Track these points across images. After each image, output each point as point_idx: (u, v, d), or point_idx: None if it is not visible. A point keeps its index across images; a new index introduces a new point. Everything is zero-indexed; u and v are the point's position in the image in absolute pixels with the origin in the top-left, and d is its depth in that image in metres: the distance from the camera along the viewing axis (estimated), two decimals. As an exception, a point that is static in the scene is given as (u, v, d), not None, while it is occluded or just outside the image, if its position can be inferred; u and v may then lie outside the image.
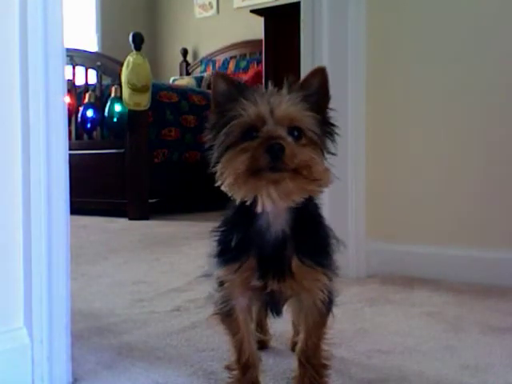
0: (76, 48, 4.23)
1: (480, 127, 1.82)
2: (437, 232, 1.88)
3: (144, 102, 3.68)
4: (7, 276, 0.96)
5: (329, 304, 0.90)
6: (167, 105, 3.99)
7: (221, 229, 0.90)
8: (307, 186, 0.81)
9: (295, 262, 0.85)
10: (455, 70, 1.86)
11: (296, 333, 1.09)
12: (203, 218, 3.78)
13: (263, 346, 1.15)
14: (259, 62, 5.01)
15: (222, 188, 0.81)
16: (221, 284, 0.89)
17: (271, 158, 0.76)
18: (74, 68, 4.13)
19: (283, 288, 0.86)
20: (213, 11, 6.07)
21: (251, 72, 5.30)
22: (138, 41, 3.69)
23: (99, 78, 4.00)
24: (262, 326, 1.15)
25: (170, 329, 1.33)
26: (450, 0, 1.88)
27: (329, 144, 0.86)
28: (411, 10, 1.93)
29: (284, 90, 0.84)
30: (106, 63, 3.99)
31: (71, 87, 3.98)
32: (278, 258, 0.85)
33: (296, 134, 0.81)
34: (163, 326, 1.35)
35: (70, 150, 1.03)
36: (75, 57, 4.07)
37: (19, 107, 0.96)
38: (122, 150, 3.81)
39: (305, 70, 1.97)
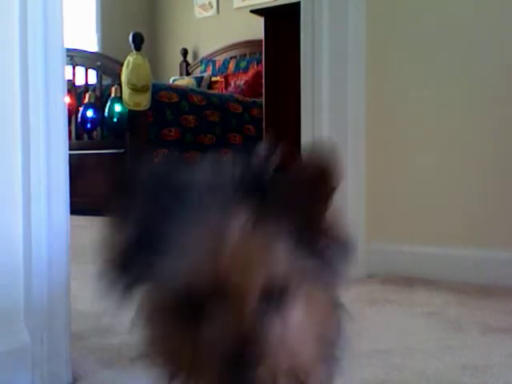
0: (76, 48, 4.23)
1: (481, 128, 1.82)
2: (437, 232, 1.88)
3: (144, 102, 3.68)
4: (7, 276, 0.96)
5: None
6: (167, 105, 3.99)
7: None
8: None
9: None
10: (456, 69, 1.86)
11: None
12: (203, 218, 3.78)
13: None
14: (259, 62, 5.01)
15: None
16: None
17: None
18: (74, 68, 4.13)
19: None
20: (213, 11, 6.07)
21: (251, 72, 5.30)
22: (138, 41, 3.69)
23: (99, 78, 4.00)
24: None
25: (170, 329, 1.33)
26: (449, 1, 1.88)
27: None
28: (411, 11, 1.93)
29: (247, 209, 0.44)
30: (106, 63, 3.99)
31: (71, 87, 3.98)
32: None
33: (276, 292, 0.46)
34: (163, 326, 1.35)
35: (70, 150, 1.03)
36: (75, 57, 4.07)
37: (19, 107, 0.96)
38: (122, 150, 3.81)
39: (305, 71, 1.97)
